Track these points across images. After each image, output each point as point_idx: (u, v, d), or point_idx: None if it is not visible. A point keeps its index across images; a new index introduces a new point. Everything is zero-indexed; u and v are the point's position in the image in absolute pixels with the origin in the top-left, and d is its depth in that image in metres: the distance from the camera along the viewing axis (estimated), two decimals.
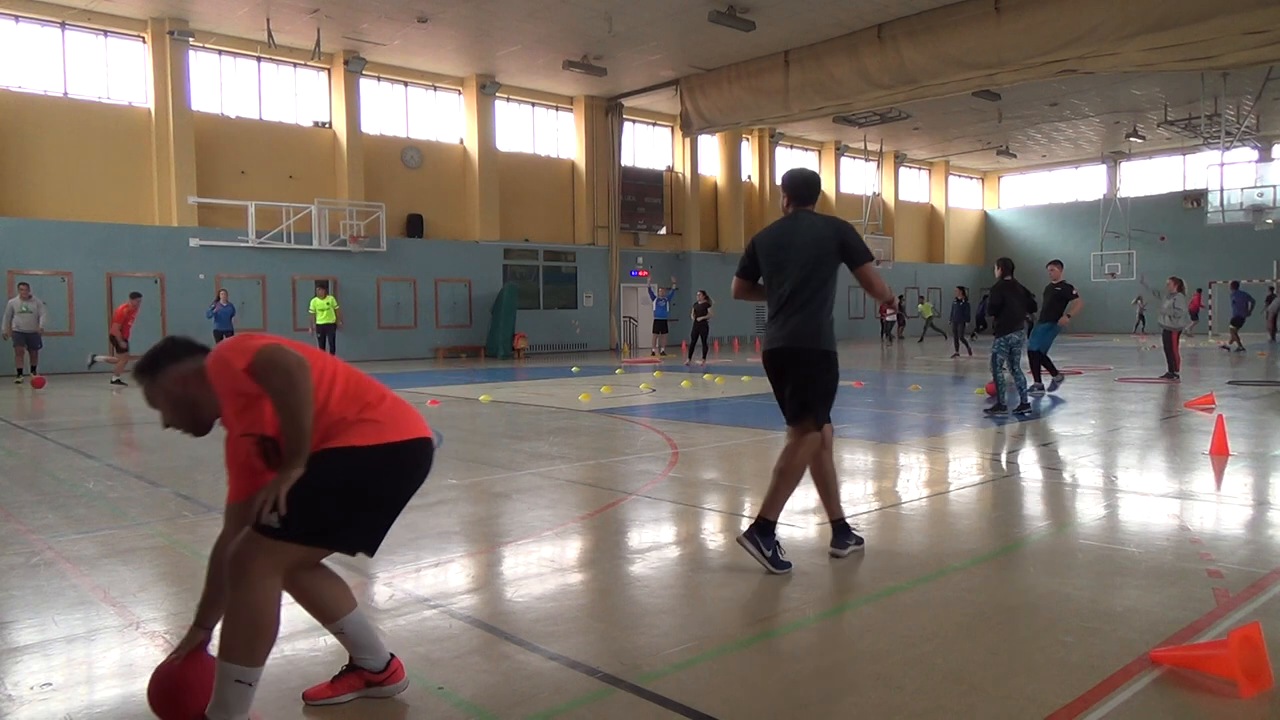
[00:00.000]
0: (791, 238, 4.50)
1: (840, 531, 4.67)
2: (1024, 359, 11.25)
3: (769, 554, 4.33)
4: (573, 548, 4.97)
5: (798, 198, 4.61)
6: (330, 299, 19.82)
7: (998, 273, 11.27)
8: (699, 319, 20.72)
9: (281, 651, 3.38)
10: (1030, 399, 10.73)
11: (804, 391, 4.46)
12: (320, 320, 19.46)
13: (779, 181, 5.03)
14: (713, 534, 5.24)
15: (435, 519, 5.56)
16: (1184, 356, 14.87)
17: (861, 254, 4.45)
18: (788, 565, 4.36)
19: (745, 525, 5.51)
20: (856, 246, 4.46)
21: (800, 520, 5.54)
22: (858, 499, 6.11)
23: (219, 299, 18.75)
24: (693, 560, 4.72)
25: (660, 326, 24.30)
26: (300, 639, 3.52)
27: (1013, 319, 10.70)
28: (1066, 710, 2.80)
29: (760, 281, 4.68)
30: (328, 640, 3.50)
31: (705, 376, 16.77)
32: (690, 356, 21.15)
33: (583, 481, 6.80)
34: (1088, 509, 5.82)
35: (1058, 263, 13.06)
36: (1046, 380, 12.73)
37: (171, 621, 3.75)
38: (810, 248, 4.43)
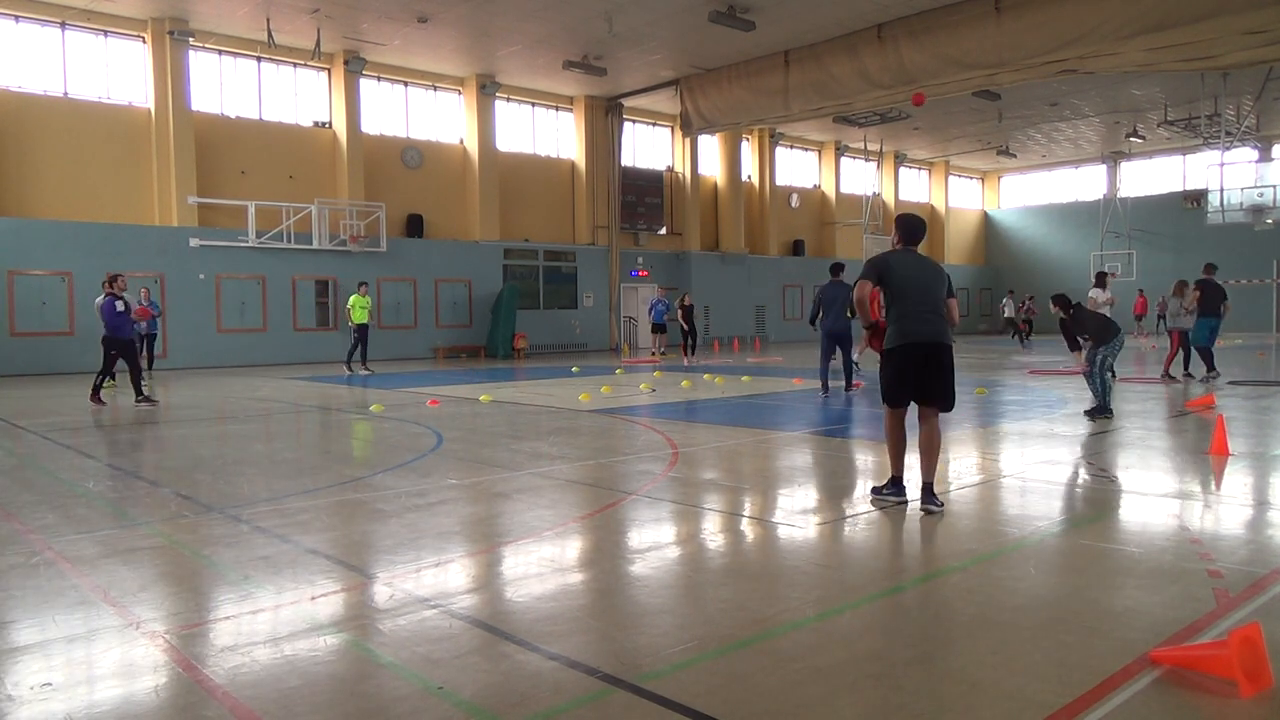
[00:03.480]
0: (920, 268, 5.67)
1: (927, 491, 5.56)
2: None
3: (940, 506, 5.48)
4: (573, 548, 4.97)
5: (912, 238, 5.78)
6: (366, 298, 19.16)
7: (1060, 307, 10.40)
8: (684, 319, 22.14)
9: (281, 651, 3.38)
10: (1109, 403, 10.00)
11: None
12: (355, 319, 18.96)
13: (895, 220, 5.98)
14: (713, 534, 5.24)
15: (435, 519, 5.56)
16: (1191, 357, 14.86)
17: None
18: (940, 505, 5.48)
19: (745, 524, 5.52)
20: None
21: (800, 520, 5.54)
22: (857, 499, 6.10)
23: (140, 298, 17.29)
24: (693, 560, 4.72)
25: (659, 327, 24.75)
26: (300, 639, 3.52)
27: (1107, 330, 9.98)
28: (1066, 710, 2.80)
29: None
30: (328, 640, 3.50)
31: (705, 377, 16.76)
32: (689, 355, 21.81)
33: (583, 481, 6.80)
34: (1088, 509, 5.82)
35: (1212, 265, 14.80)
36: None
37: (171, 621, 3.75)
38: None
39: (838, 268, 12.93)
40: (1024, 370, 16.85)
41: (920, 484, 5.55)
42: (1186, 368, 14.90)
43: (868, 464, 7.65)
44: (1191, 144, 34.66)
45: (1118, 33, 16.90)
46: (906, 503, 5.61)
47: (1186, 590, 3.99)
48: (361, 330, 18.95)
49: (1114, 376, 10.25)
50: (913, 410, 5.69)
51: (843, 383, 13.02)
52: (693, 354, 21.93)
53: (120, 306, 12.53)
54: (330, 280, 23.75)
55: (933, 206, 42.57)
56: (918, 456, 5.61)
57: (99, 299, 13.00)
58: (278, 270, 22.83)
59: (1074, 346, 10.29)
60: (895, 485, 5.70)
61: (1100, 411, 9.79)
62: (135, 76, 21.42)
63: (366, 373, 18.94)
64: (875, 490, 5.88)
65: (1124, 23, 16.77)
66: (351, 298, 19.14)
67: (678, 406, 11.92)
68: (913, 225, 5.76)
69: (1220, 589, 3.97)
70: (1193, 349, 14.74)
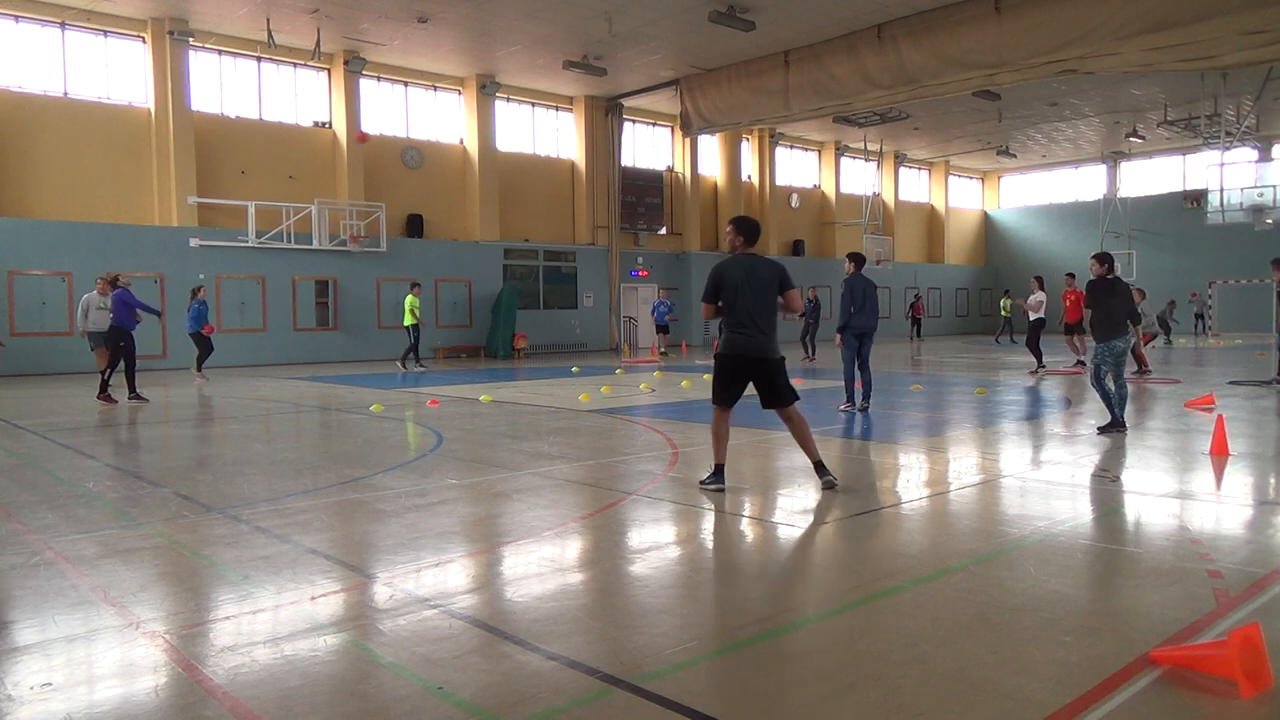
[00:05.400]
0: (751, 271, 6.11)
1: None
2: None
3: (834, 478, 6.19)
4: (573, 548, 4.97)
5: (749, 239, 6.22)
6: (414, 299, 19.18)
7: (1100, 270, 9.09)
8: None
9: (281, 651, 3.39)
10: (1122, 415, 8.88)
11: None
12: (406, 321, 19.17)
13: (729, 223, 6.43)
14: (713, 534, 5.24)
15: (435, 519, 5.56)
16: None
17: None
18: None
19: (745, 524, 5.52)
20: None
21: (800, 520, 5.54)
22: (858, 498, 6.11)
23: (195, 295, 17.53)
24: (693, 560, 4.72)
25: (662, 328, 25.29)
26: (300, 639, 3.52)
27: (1115, 323, 8.84)
28: (1066, 710, 2.80)
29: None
30: (328, 640, 3.50)
31: (705, 377, 16.77)
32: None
33: (583, 481, 6.80)
34: (1088, 509, 5.82)
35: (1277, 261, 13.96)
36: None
37: (171, 621, 3.75)
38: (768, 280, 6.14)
39: (860, 258, 11.19)
40: (1024, 370, 16.85)
41: (812, 465, 6.27)
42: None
43: (868, 464, 7.65)
44: (1191, 144, 34.65)
45: (1118, 33, 16.89)
46: (724, 489, 6.16)
47: (1186, 590, 3.99)
48: (414, 330, 19.27)
49: (1115, 387, 8.85)
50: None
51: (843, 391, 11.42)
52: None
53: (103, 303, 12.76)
54: (330, 280, 23.75)
55: (933, 206, 42.57)
56: (803, 448, 6.35)
57: (90, 295, 13.05)
58: (278, 270, 22.83)
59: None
60: (717, 473, 6.25)
61: (1111, 426, 8.72)
62: (135, 76, 21.41)
63: (421, 370, 19.29)
64: (702, 481, 6.35)
65: (1124, 23, 16.76)
66: (407, 299, 19.30)
67: (678, 406, 11.91)
68: (749, 227, 6.25)
69: (1220, 589, 3.97)
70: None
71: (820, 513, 5.75)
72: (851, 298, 10.82)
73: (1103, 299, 8.84)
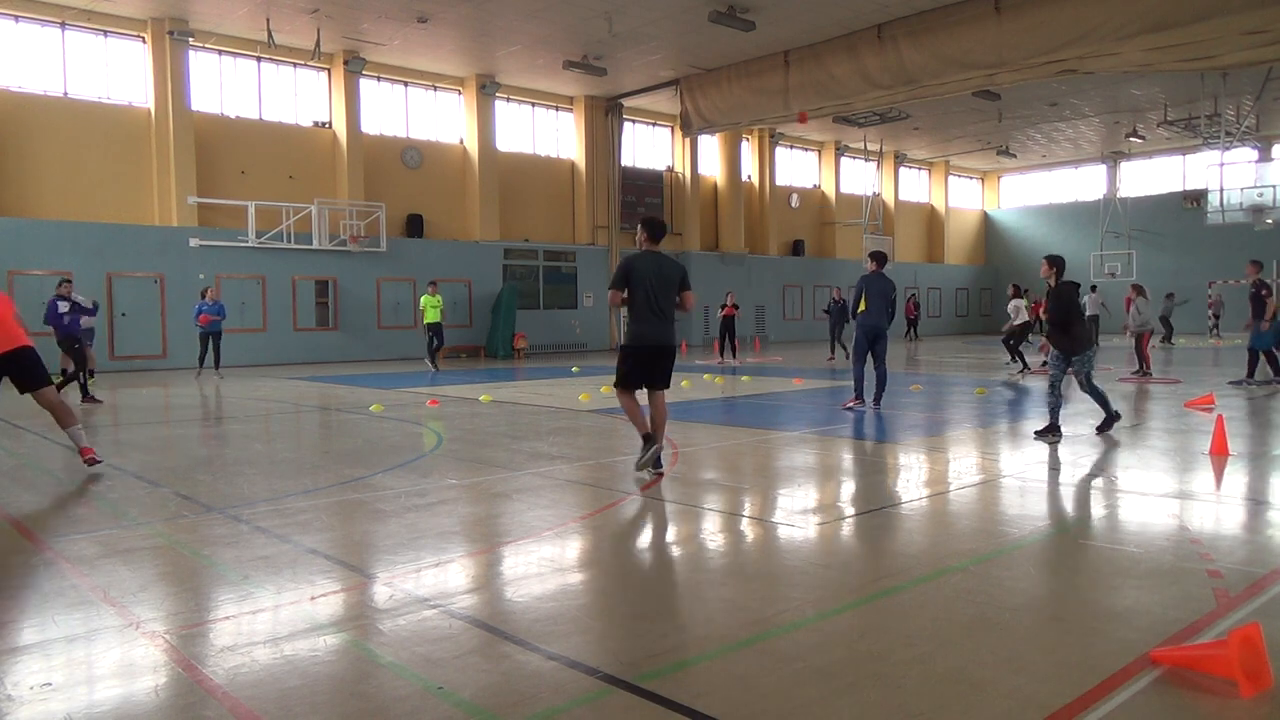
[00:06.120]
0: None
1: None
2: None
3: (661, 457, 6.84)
4: (573, 548, 4.97)
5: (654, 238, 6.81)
6: (436, 297, 19.33)
7: (1049, 271, 8.78)
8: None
9: (281, 651, 3.38)
10: (1117, 412, 8.76)
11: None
12: (427, 319, 19.21)
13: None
14: (713, 534, 5.24)
15: (435, 519, 5.56)
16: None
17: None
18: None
19: (745, 524, 5.52)
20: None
21: (800, 520, 5.54)
22: (857, 499, 6.11)
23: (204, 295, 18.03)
24: (693, 560, 4.72)
25: None
26: (300, 639, 3.52)
27: (1085, 333, 8.57)
28: (1066, 710, 2.80)
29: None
30: (328, 640, 3.50)
31: (705, 377, 16.77)
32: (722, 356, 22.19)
33: (583, 481, 6.80)
34: (1088, 509, 5.82)
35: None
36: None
37: (171, 621, 3.75)
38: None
39: (881, 257, 11.16)
40: (1024, 371, 16.84)
41: (641, 436, 6.86)
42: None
43: (868, 464, 7.65)
44: (1191, 144, 34.65)
45: (1118, 33, 16.89)
46: (659, 448, 6.79)
47: (1186, 590, 3.99)
48: (434, 329, 19.22)
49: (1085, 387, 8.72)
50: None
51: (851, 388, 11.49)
52: (731, 356, 21.64)
53: (65, 307, 12.79)
54: (330, 280, 23.75)
55: (933, 206, 42.57)
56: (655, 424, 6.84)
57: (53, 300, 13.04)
58: (278, 270, 22.83)
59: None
60: (646, 442, 6.79)
61: (1054, 431, 8.45)
62: (135, 76, 21.42)
63: (435, 371, 19.22)
64: (638, 464, 6.85)
65: (1124, 23, 16.76)
66: (423, 298, 19.33)
67: (678, 406, 11.91)
68: (655, 226, 6.84)
69: (1220, 589, 3.97)
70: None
71: (820, 513, 5.75)
72: (859, 296, 10.86)
73: (1076, 305, 8.65)
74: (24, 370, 7.46)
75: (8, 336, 7.50)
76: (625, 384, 6.93)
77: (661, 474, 6.80)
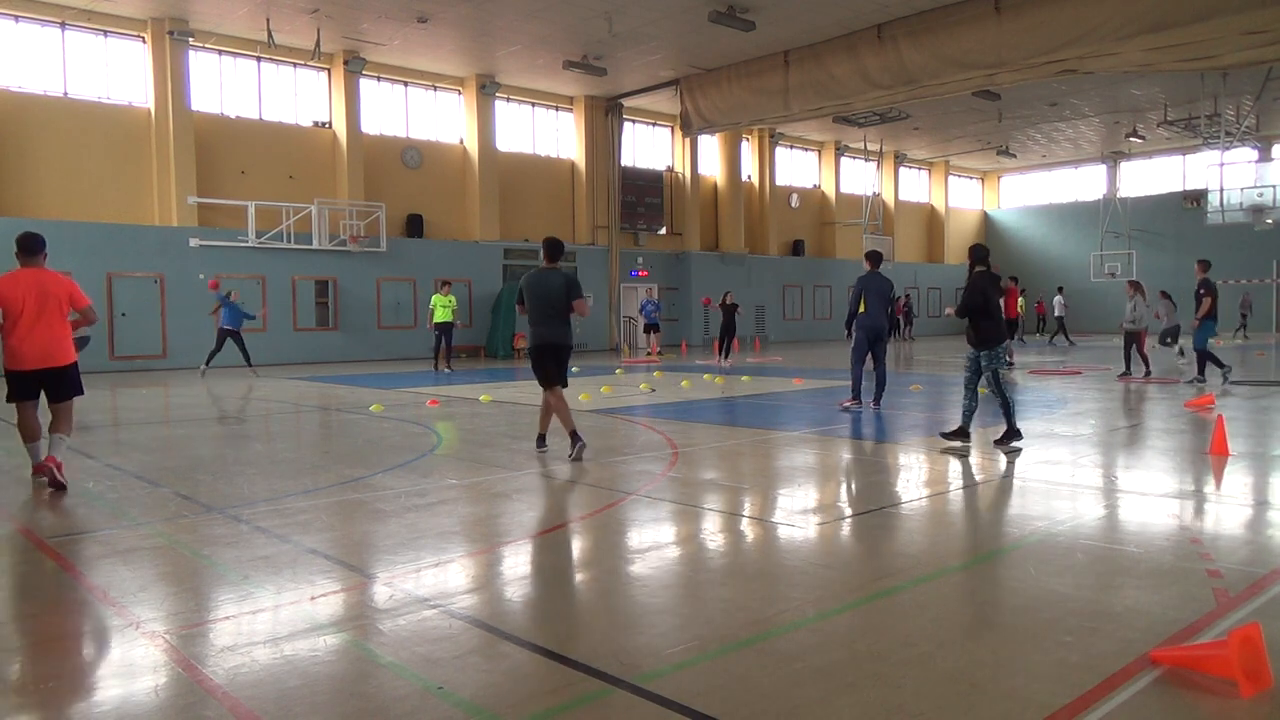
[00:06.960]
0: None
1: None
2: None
3: (583, 441, 7.74)
4: (573, 548, 4.97)
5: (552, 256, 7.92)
6: (450, 297, 19.13)
7: (971, 262, 8.46)
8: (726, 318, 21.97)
9: (281, 651, 3.39)
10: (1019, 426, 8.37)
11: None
12: (437, 318, 18.98)
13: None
14: (713, 534, 5.24)
15: (435, 519, 5.56)
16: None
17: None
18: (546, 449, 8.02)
19: (745, 524, 5.53)
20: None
21: (800, 520, 5.54)
22: (857, 499, 6.10)
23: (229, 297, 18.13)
24: (693, 560, 4.72)
25: (651, 327, 25.21)
26: (300, 639, 3.52)
27: (998, 327, 8.24)
28: (1066, 710, 2.80)
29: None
30: (328, 640, 3.50)
31: (705, 377, 16.77)
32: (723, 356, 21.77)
33: (583, 481, 6.80)
34: (1088, 509, 5.82)
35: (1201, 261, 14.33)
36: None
37: (171, 621, 3.75)
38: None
39: (876, 257, 11.21)
40: (1023, 370, 16.85)
41: (567, 434, 7.75)
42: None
43: (868, 464, 7.65)
44: (1191, 144, 34.65)
45: (1117, 33, 16.89)
46: (546, 450, 7.93)
47: (1186, 590, 3.99)
48: (444, 329, 19.08)
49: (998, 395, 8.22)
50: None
51: (848, 390, 11.35)
52: (724, 357, 21.08)
53: None
54: (330, 280, 23.75)
55: (933, 206, 42.57)
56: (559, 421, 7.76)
57: None
58: (278, 270, 22.82)
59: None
60: (540, 441, 8.09)
61: (962, 434, 8.27)
62: (135, 76, 21.41)
63: (448, 371, 19.14)
64: (538, 449, 8.03)
65: (1124, 23, 16.76)
66: (433, 298, 19.25)
67: (678, 406, 11.91)
68: (551, 246, 7.90)
69: (1220, 589, 3.97)
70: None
71: (820, 513, 5.75)
72: (858, 297, 10.86)
73: (989, 298, 8.14)
74: (65, 385, 6.84)
75: (61, 351, 6.80)
76: (540, 381, 7.89)
77: (579, 456, 7.60)
